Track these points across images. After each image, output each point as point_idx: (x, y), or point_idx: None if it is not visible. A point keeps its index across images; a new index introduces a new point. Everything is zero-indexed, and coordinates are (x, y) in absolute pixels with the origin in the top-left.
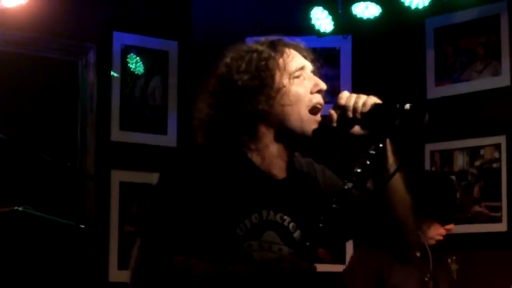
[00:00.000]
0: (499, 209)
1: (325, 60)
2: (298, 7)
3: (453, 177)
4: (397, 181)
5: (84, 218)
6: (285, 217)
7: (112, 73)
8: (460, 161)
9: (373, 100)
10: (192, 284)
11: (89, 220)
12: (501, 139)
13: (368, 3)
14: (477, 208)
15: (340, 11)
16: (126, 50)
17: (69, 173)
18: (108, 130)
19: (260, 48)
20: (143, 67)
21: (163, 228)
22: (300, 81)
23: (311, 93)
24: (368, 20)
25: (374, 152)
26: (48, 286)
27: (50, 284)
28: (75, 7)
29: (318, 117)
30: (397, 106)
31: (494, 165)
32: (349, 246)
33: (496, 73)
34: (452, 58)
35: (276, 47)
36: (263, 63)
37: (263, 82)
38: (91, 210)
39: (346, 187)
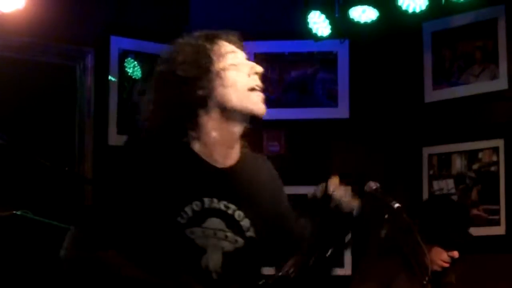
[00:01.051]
0: (497, 212)
1: (322, 64)
2: (295, 11)
3: (451, 181)
4: None
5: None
6: (230, 205)
7: (109, 77)
8: (458, 164)
9: (355, 205)
10: (117, 282)
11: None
12: (499, 142)
13: (365, 7)
14: (475, 211)
15: (337, 15)
16: (124, 55)
17: (67, 177)
18: (106, 134)
19: (195, 40)
20: (140, 72)
21: (96, 222)
22: (236, 67)
23: (248, 75)
24: (366, 24)
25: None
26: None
27: None
28: (72, 11)
29: (258, 95)
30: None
31: (492, 168)
32: (348, 250)
33: (494, 76)
34: (450, 61)
35: (213, 40)
36: (201, 54)
37: (201, 69)
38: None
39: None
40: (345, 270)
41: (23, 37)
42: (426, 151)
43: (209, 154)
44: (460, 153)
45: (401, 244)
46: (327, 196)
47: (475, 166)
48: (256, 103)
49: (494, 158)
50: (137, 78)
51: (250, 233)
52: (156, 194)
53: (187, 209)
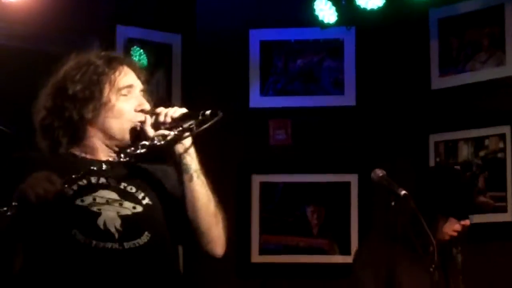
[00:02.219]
0: (504, 199)
1: (328, 51)
2: None
3: (458, 168)
4: (198, 187)
5: None
6: (121, 182)
7: None
8: (464, 151)
9: (184, 110)
10: None
11: None
12: (506, 129)
13: None
14: (482, 198)
15: (343, 2)
16: (130, 44)
17: None
18: None
19: (97, 62)
20: (146, 60)
21: None
22: (126, 99)
23: (135, 111)
24: (372, 11)
25: (165, 133)
26: None
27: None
28: (78, 1)
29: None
30: (201, 112)
31: (499, 155)
32: (354, 238)
33: (501, 63)
34: (456, 48)
35: (111, 63)
36: (95, 77)
37: (92, 94)
38: None
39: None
40: (351, 258)
41: (29, 27)
42: (433, 138)
43: (89, 155)
44: (466, 140)
45: (407, 230)
46: (156, 114)
47: (481, 153)
48: (124, 135)
49: (501, 145)
50: (143, 67)
51: (146, 201)
52: None
53: (73, 186)
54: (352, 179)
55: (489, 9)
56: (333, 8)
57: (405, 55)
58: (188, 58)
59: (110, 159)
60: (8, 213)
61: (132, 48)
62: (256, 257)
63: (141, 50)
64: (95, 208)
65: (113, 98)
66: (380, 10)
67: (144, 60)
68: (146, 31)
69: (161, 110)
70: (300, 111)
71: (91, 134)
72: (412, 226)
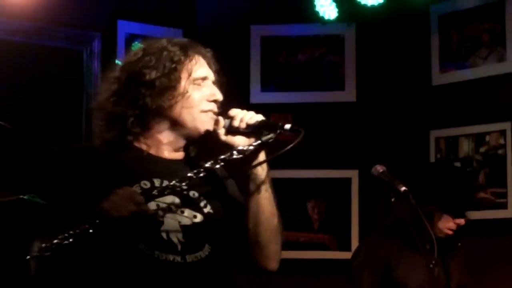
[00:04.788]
0: (504, 195)
1: (329, 47)
2: None
3: (458, 164)
4: (265, 200)
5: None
6: (182, 185)
7: (116, 61)
8: (465, 147)
9: (261, 117)
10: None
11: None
12: (506, 125)
13: None
14: (482, 194)
15: None
16: (131, 39)
17: None
18: None
19: (172, 48)
20: None
21: (53, 217)
22: (199, 88)
23: (208, 100)
24: (372, 7)
25: (244, 148)
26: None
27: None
28: None
29: (210, 119)
30: (279, 124)
31: (500, 151)
32: (355, 233)
33: (501, 59)
34: (457, 44)
35: (187, 52)
36: (172, 65)
37: (169, 82)
38: None
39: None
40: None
41: (30, 22)
42: (433, 134)
43: (155, 150)
44: (467, 136)
45: (407, 227)
46: (230, 117)
47: (482, 149)
48: (204, 123)
49: (502, 141)
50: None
51: (207, 209)
52: (103, 181)
53: (135, 188)
54: (353, 174)
55: (490, 5)
56: (334, 4)
57: (406, 51)
58: None
59: (175, 157)
60: (90, 231)
61: (133, 43)
62: None
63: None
64: (157, 216)
65: (188, 87)
66: (381, 6)
67: None
68: (147, 26)
69: (236, 113)
70: (300, 106)
71: (161, 125)
72: (412, 221)
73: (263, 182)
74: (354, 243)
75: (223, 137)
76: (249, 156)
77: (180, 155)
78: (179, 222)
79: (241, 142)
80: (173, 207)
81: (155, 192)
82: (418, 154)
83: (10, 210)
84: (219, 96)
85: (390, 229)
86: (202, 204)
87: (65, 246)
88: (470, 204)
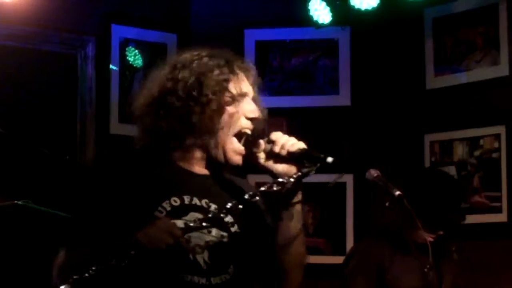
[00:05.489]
0: (499, 199)
1: (323, 51)
2: None
3: (453, 167)
4: (297, 231)
5: None
6: (211, 203)
7: (111, 66)
8: (459, 151)
9: (303, 145)
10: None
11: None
12: (501, 129)
13: None
14: (477, 198)
15: (338, 2)
16: (125, 43)
17: (68, 166)
18: (107, 123)
19: (215, 62)
20: (142, 60)
21: (86, 230)
22: (238, 105)
23: (246, 118)
24: (366, 11)
25: (284, 181)
26: (48, 281)
27: (49, 278)
28: (74, 1)
29: (240, 147)
30: (321, 156)
31: (494, 155)
32: (349, 238)
33: (495, 62)
34: (451, 48)
35: (231, 67)
36: (223, 83)
37: (206, 99)
38: None
39: (253, 196)
40: None
41: (24, 26)
42: (428, 138)
43: (188, 165)
44: (461, 140)
45: (402, 231)
46: (272, 141)
47: (476, 153)
48: (234, 153)
49: (496, 145)
50: (138, 66)
51: (234, 229)
52: (136, 194)
53: (165, 204)
54: (348, 179)
55: (484, 8)
56: (328, 8)
57: (400, 55)
58: None
59: (205, 172)
60: (125, 262)
61: (127, 48)
62: None
63: (136, 50)
64: (185, 235)
65: (227, 103)
66: (375, 10)
67: (139, 60)
68: (142, 30)
69: (277, 138)
70: (295, 111)
71: (197, 141)
72: (406, 225)
73: (297, 212)
74: (349, 247)
75: (262, 161)
76: (287, 187)
77: (209, 170)
78: (206, 242)
79: (281, 169)
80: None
81: (192, 224)
82: (413, 158)
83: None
84: (258, 114)
85: (383, 233)
86: (229, 222)
87: (98, 277)
88: (455, 215)
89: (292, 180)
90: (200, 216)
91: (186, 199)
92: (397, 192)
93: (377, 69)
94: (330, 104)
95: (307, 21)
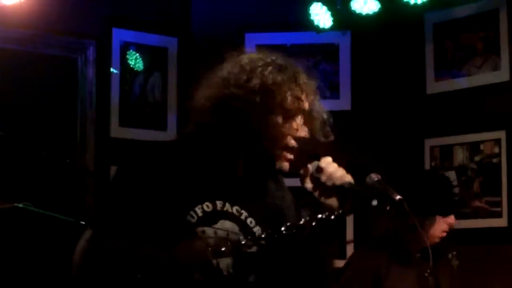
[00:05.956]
0: (499, 204)
1: (324, 55)
2: (297, 3)
3: (453, 172)
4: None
5: (84, 214)
6: (242, 211)
7: (111, 69)
8: (460, 156)
9: (349, 179)
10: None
11: (89, 216)
12: (501, 134)
13: None
14: (477, 203)
15: (338, 7)
16: (126, 47)
17: (69, 170)
18: (108, 126)
19: (281, 74)
20: (142, 64)
21: (115, 222)
22: (290, 121)
23: (291, 136)
24: (367, 15)
25: (323, 217)
26: (48, 283)
27: (50, 281)
28: (74, 3)
29: (290, 155)
30: (366, 196)
31: (494, 160)
32: (349, 243)
33: (496, 67)
34: (452, 53)
35: (296, 80)
36: (276, 91)
37: (266, 110)
38: (91, 207)
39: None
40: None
41: (25, 29)
42: (428, 143)
43: (225, 167)
44: (462, 145)
45: (402, 235)
46: (320, 169)
47: (477, 158)
48: (282, 163)
49: (496, 150)
50: (139, 70)
51: (262, 241)
52: (170, 192)
53: (197, 209)
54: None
55: (484, 14)
56: (329, 13)
57: (400, 60)
58: (184, 61)
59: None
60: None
61: (127, 51)
62: None
63: (137, 54)
64: (213, 242)
65: (279, 118)
66: (376, 15)
67: (139, 63)
68: (142, 34)
69: (326, 165)
70: None
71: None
72: (406, 231)
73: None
74: (349, 253)
75: (307, 184)
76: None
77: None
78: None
79: (328, 202)
80: (231, 234)
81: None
82: (413, 163)
83: (5, 218)
84: (303, 134)
85: (379, 242)
86: (257, 233)
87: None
88: (455, 202)
89: (332, 218)
90: (231, 224)
91: (219, 205)
92: (398, 196)
93: (378, 73)
94: (330, 108)
95: (308, 25)
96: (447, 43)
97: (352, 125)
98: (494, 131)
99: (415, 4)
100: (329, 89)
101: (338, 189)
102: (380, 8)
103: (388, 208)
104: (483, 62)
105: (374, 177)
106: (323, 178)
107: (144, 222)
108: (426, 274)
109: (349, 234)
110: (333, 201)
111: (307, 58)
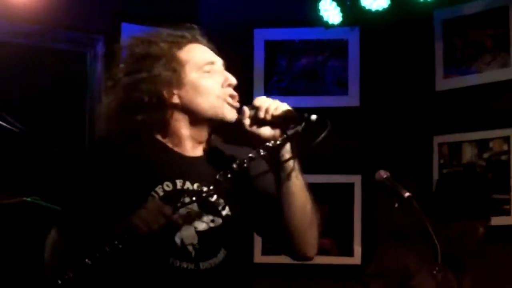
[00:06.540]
0: (507, 202)
1: (332, 51)
2: None
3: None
4: (296, 187)
5: None
6: (203, 187)
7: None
8: (468, 153)
9: (286, 107)
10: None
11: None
12: (510, 132)
13: None
14: None
15: (348, 3)
16: None
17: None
18: None
19: (171, 39)
20: None
21: (78, 214)
22: (210, 75)
23: (222, 86)
24: (376, 11)
25: (270, 144)
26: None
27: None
28: None
29: (231, 104)
30: (305, 115)
31: (503, 157)
32: (357, 239)
33: (505, 65)
34: (461, 50)
35: (190, 41)
36: (173, 56)
37: (173, 75)
38: None
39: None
40: (354, 259)
41: (34, 24)
42: (437, 140)
43: (178, 146)
44: (470, 142)
45: (414, 233)
46: (255, 107)
47: (485, 155)
48: (227, 112)
49: (505, 147)
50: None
51: (226, 212)
52: (126, 179)
53: (158, 189)
54: (356, 180)
55: (494, 11)
56: (338, 9)
57: (410, 56)
58: None
59: (195, 153)
60: (120, 246)
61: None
62: (259, 257)
63: None
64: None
65: (195, 76)
66: (385, 11)
67: None
68: (151, 29)
69: (261, 103)
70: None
71: (181, 120)
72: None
73: (292, 170)
74: (356, 249)
75: (248, 128)
76: (276, 149)
77: (202, 150)
78: (195, 228)
79: (267, 133)
80: (191, 212)
81: (179, 204)
82: (421, 160)
83: (13, 212)
84: (233, 80)
85: (410, 236)
86: (220, 206)
87: (93, 265)
88: (490, 204)
89: (277, 143)
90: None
91: (179, 184)
92: (407, 194)
93: (386, 70)
94: (338, 105)
95: (317, 21)
96: (456, 40)
97: (360, 122)
98: (503, 129)
99: (424, 1)
100: (337, 86)
101: (278, 119)
102: (389, 5)
103: (396, 205)
104: (492, 59)
105: (383, 173)
106: (261, 113)
107: (108, 207)
108: (435, 272)
109: (357, 228)
110: (276, 132)
111: (315, 54)
